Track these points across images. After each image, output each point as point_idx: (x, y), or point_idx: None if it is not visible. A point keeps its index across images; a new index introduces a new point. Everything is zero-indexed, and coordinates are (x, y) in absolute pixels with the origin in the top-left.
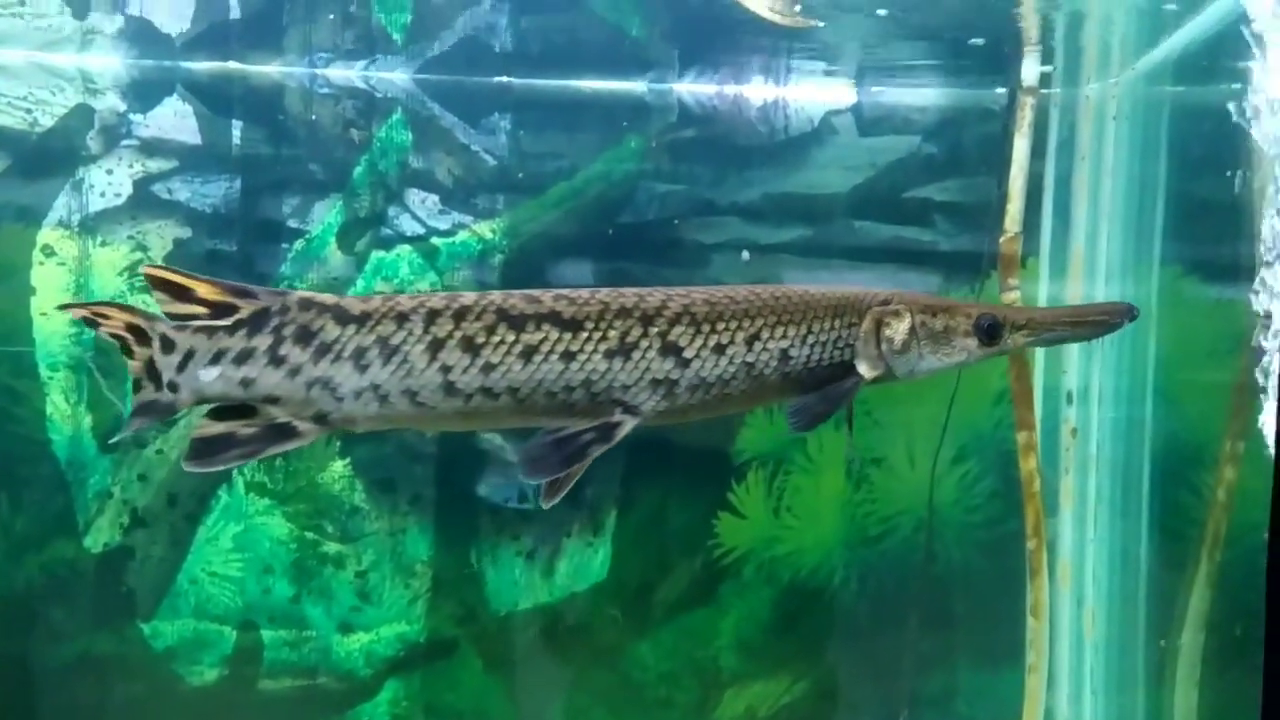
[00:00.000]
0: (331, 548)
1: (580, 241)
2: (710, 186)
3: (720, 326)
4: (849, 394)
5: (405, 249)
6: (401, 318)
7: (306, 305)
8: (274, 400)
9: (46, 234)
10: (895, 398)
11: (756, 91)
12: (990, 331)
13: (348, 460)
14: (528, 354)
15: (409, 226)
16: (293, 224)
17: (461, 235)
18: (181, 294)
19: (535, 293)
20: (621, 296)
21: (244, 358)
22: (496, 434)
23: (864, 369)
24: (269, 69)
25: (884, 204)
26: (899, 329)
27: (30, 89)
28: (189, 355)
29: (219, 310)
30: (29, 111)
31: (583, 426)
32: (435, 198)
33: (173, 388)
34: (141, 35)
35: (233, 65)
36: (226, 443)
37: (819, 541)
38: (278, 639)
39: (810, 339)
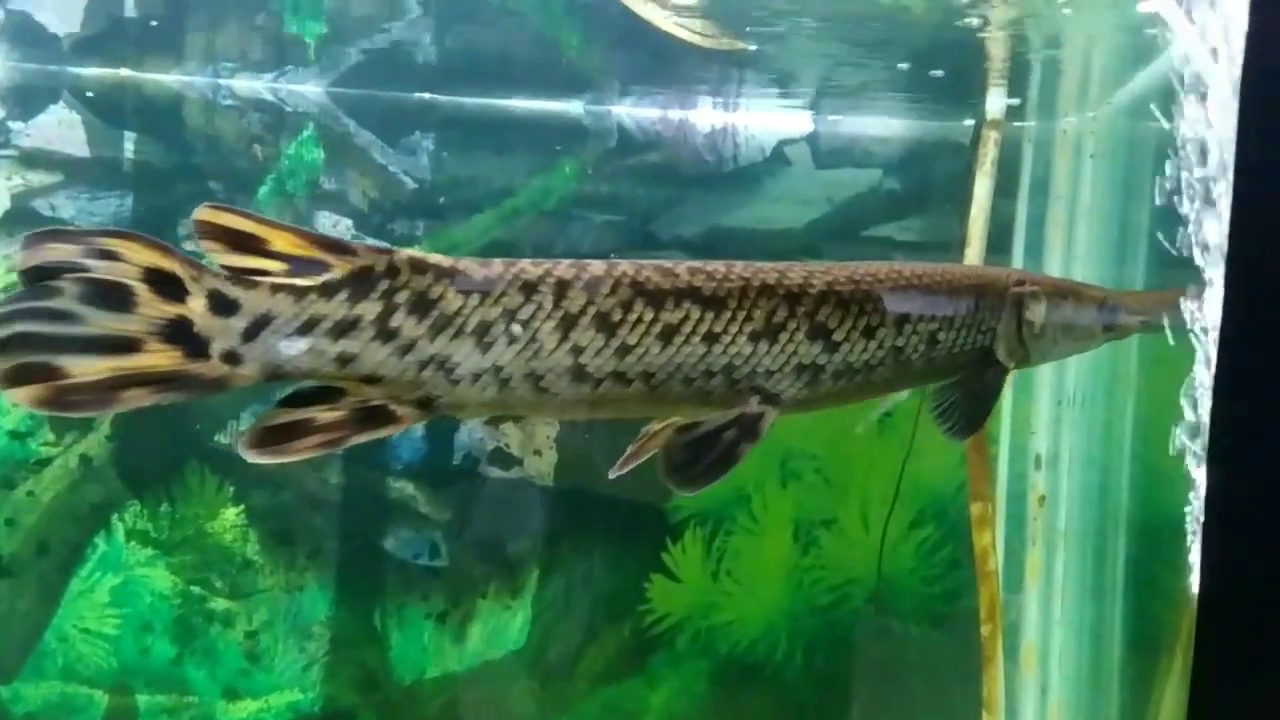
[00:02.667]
0: (219, 604)
1: None
2: (651, 218)
3: (869, 307)
4: (998, 388)
5: None
6: (529, 288)
7: (420, 267)
8: (374, 380)
9: None
10: (848, 454)
11: (704, 116)
12: (1113, 313)
13: (241, 508)
14: (667, 335)
15: None
16: (190, 246)
17: None
18: (248, 245)
19: (666, 264)
20: (761, 271)
21: (345, 328)
22: (407, 482)
23: (1003, 354)
24: (167, 77)
25: (841, 242)
26: (1038, 312)
27: None
28: (263, 320)
29: (301, 266)
30: None
31: (720, 422)
32: (348, 222)
33: (231, 359)
34: (24, 35)
35: (126, 72)
36: (303, 429)
37: (761, 610)
38: (155, 705)
39: (958, 321)
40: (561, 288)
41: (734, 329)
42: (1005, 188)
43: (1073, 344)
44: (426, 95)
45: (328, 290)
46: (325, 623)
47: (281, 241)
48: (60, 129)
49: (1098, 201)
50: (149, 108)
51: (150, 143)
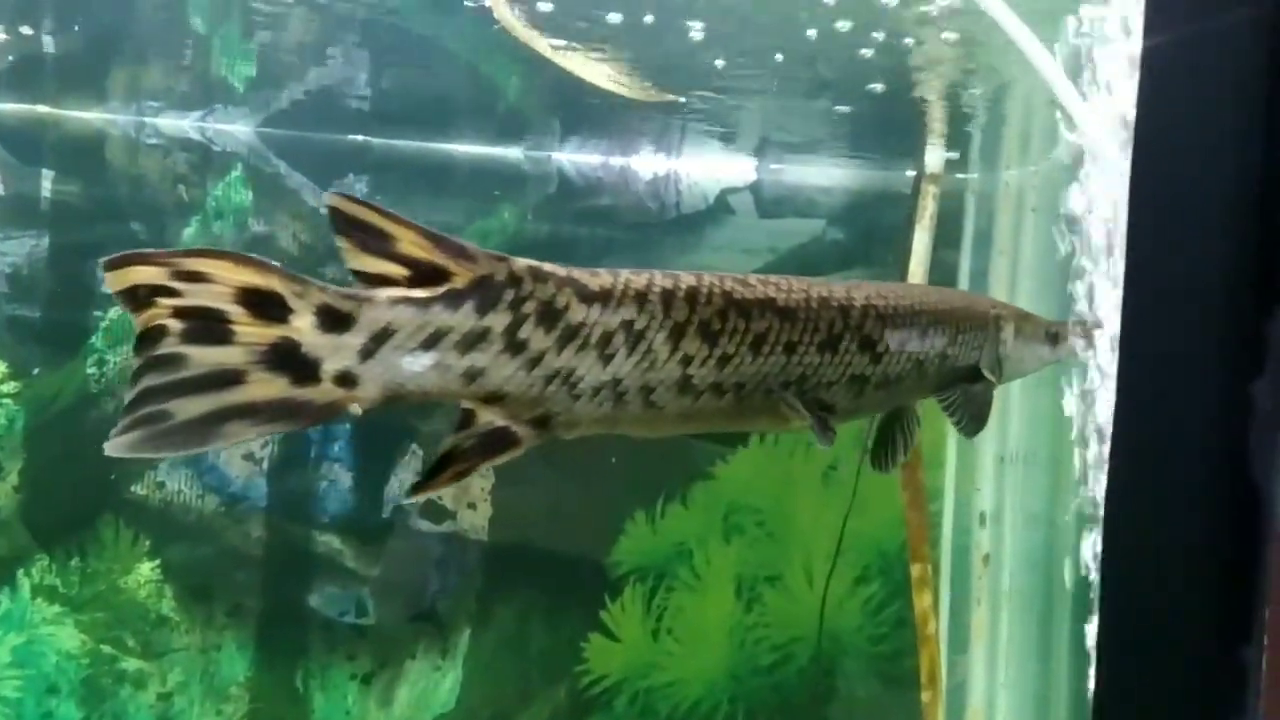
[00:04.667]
0: (131, 664)
1: None
2: (592, 264)
3: (900, 321)
4: (990, 396)
5: None
6: (640, 298)
7: (541, 276)
8: (498, 399)
9: None
10: (792, 508)
11: (646, 163)
12: (1055, 339)
13: (157, 562)
14: (757, 345)
15: None
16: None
17: None
18: (375, 242)
19: (733, 276)
20: (810, 285)
21: (473, 341)
22: (334, 536)
23: (987, 369)
24: (88, 114)
25: None
26: (1009, 333)
27: None
28: (383, 335)
29: (423, 274)
30: None
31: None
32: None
33: (345, 380)
34: None
35: (44, 109)
36: (445, 458)
37: (703, 670)
38: None
39: (959, 338)
40: (667, 298)
41: (806, 339)
42: (948, 239)
43: (1030, 364)
44: (360, 138)
45: (452, 300)
46: (244, 684)
47: (407, 241)
48: None
49: (1039, 255)
50: (69, 145)
51: (70, 181)
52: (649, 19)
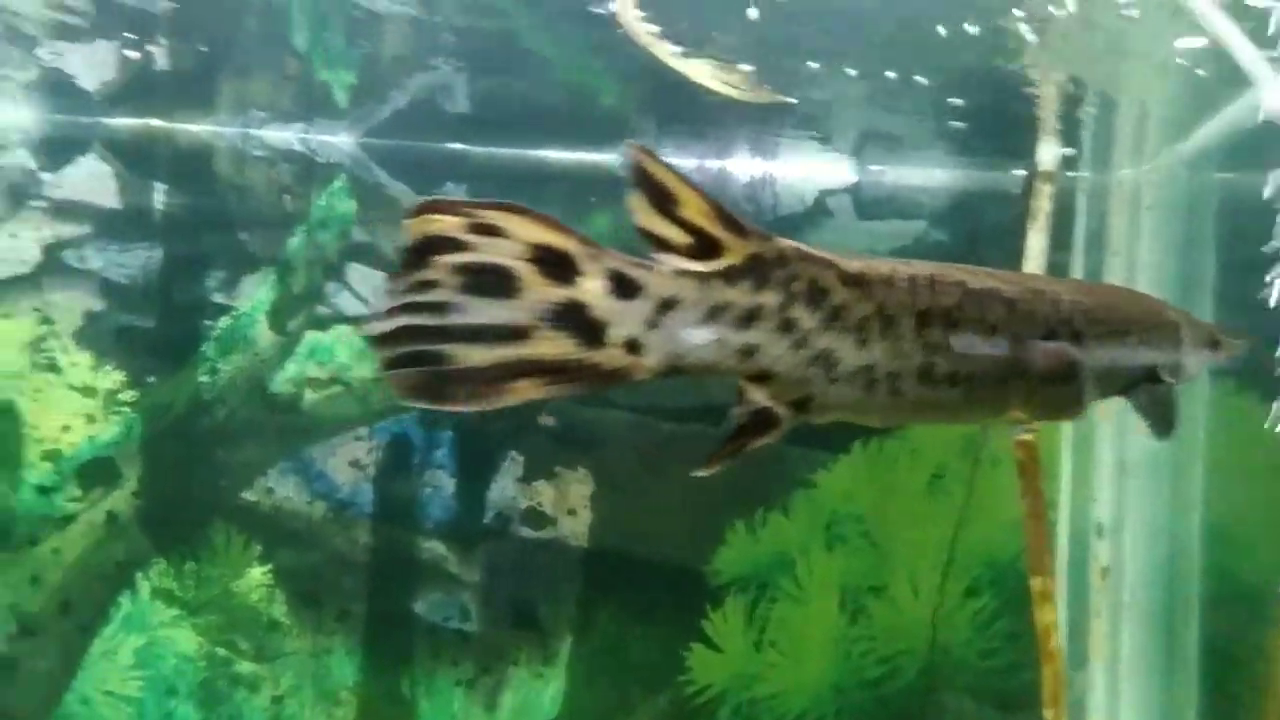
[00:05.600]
0: (245, 667)
1: None
2: None
3: (1100, 317)
4: (1175, 398)
5: (344, 330)
6: (888, 283)
7: (805, 255)
8: (765, 378)
9: None
10: (896, 517)
11: (742, 166)
12: (1216, 344)
13: (269, 567)
14: (989, 333)
15: (349, 305)
16: (219, 299)
17: None
18: (665, 205)
19: (957, 265)
20: (1023, 277)
21: (749, 319)
22: (437, 542)
23: (1166, 373)
24: (197, 128)
25: None
26: (1185, 335)
27: None
28: (668, 305)
29: (701, 243)
30: None
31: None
32: (380, 274)
33: (632, 347)
34: (56, 88)
35: (157, 123)
36: (734, 434)
37: (807, 683)
38: None
39: (1145, 337)
40: (912, 284)
41: (1028, 331)
42: (1058, 240)
43: (1194, 369)
44: (459, 146)
45: (731, 276)
46: (353, 688)
47: (693, 208)
48: (91, 180)
49: (1156, 255)
50: (179, 158)
51: (180, 193)
52: (754, 15)
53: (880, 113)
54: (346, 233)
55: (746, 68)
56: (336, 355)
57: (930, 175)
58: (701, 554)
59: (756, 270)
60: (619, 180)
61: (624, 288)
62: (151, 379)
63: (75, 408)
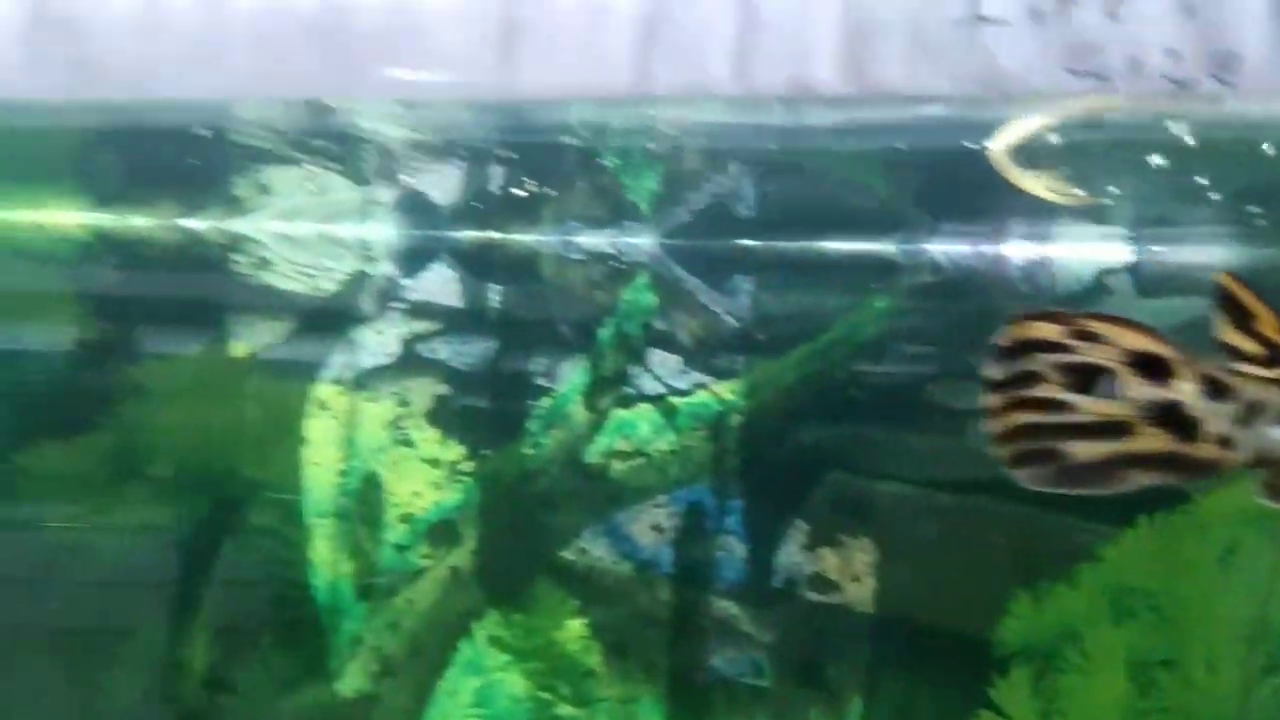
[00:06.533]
0: (566, 710)
1: (822, 403)
2: (967, 349)
3: None
4: None
5: (645, 408)
6: None
7: None
8: None
9: (321, 389)
10: (1187, 592)
11: (1018, 250)
12: None
13: (585, 620)
14: None
15: (650, 386)
16: (541, 382)
17: (700, 395)
18: (1244, 320)
19: None
20: None
21: None
22: (730, 602)
23: None
24: (525, 237)
25: None
26: None
27: (315, 257)
28: (1256, 408)
29: (1273, 356)
30: (313, 278)
31: None
32: (677, 358)
33: (1225, 444)
34: (414, 206)
35: (494, 234)
36: None
37: None
38: None
39: None
40: None
41: None
42: None
43: None
44: (747, 242)
45: None
46: None
47: (1267, 324)
48: (440, 284)
49: None
50: (510, 263)
51: (511, 293)
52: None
53: (1160, 192)
54: (648, 323)
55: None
56: (639, 430)
57: (1214, 254)
58: (985, 623)
59: None
60: (897, 266)
61: (1215, 390)
62: (486, 451)
63: (425, 477)
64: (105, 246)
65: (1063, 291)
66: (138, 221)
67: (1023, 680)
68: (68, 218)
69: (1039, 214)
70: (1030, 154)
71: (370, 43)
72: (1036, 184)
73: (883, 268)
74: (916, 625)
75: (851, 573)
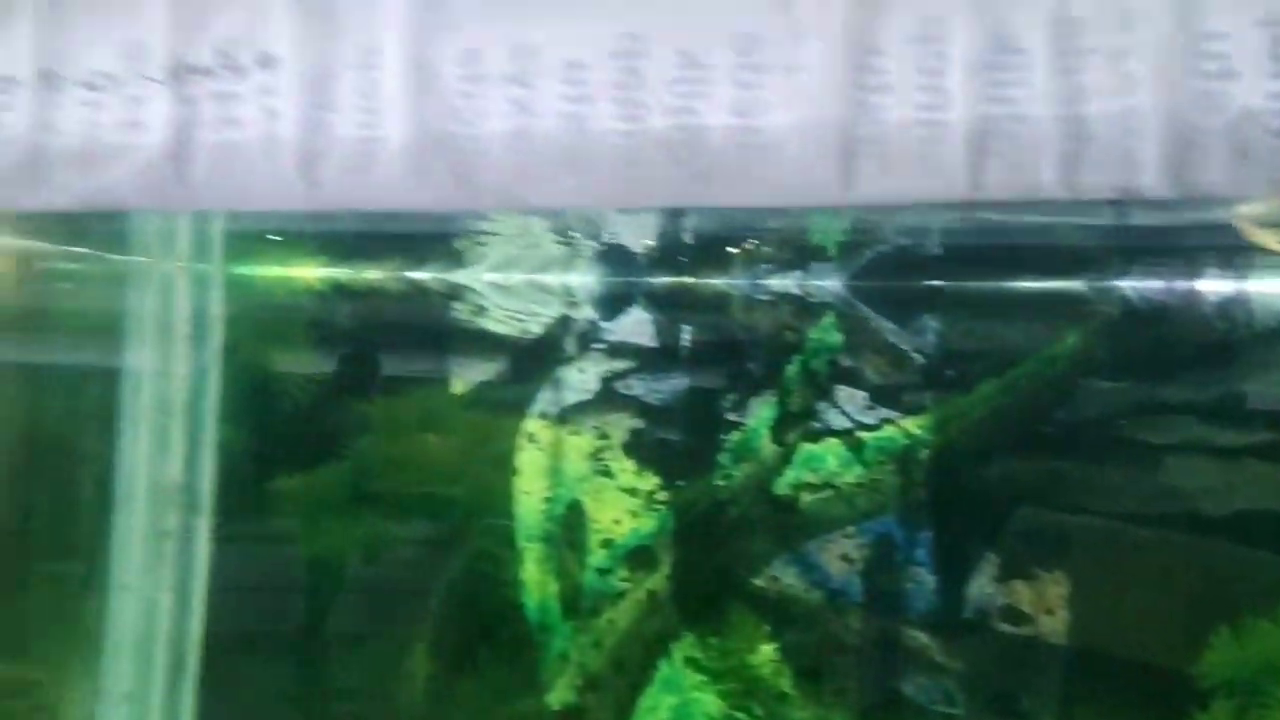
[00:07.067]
0: None
1: (1012, 440)
2: (1160, 385)
3: None
4: None
5: (832, 442)
6: None
7: None
8: None
9: (530, 423)
10: None
11: (1212, 286)
12: None
13: (776, 645)
14: None
15: (836, 421)
16: (731, 417)
17: (887, 430)
18: None
19: None
20: None
21: None
22: (920, 631)
23: None
24: (716, 281)
25: None
26: None
27: (524, 304)
28: None
29: None
30: (522, 322)
31: None
32: (863, 394)
33: None
34: (613, 255)
35: (686, 279)
36: None
37: None
38: None
39: None
40: None
41: None
42: None
43: None
44: (936, 282)
45: None
46: None
47: None
48: (636, 326)
49: None
50: (701, 306)
51: (702, 333)
52: None
53: None
54: (835, 360)
55: None
56: (827, 464)
57: None
58: (1183, 657)
59: None
60: (1087, 304)
61: None
62: (680, 482)
63: (624, 505)
64: (341, 296)
65: (1260, 327)
66: (370, 274)
67: (1224, 716)
68: (311, 272)
69: (1233, 249)
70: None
71: (719, 157)
72: (1272, 240)
73: (1073, 304)
74: (1112, 658)
75: (1045, 605)
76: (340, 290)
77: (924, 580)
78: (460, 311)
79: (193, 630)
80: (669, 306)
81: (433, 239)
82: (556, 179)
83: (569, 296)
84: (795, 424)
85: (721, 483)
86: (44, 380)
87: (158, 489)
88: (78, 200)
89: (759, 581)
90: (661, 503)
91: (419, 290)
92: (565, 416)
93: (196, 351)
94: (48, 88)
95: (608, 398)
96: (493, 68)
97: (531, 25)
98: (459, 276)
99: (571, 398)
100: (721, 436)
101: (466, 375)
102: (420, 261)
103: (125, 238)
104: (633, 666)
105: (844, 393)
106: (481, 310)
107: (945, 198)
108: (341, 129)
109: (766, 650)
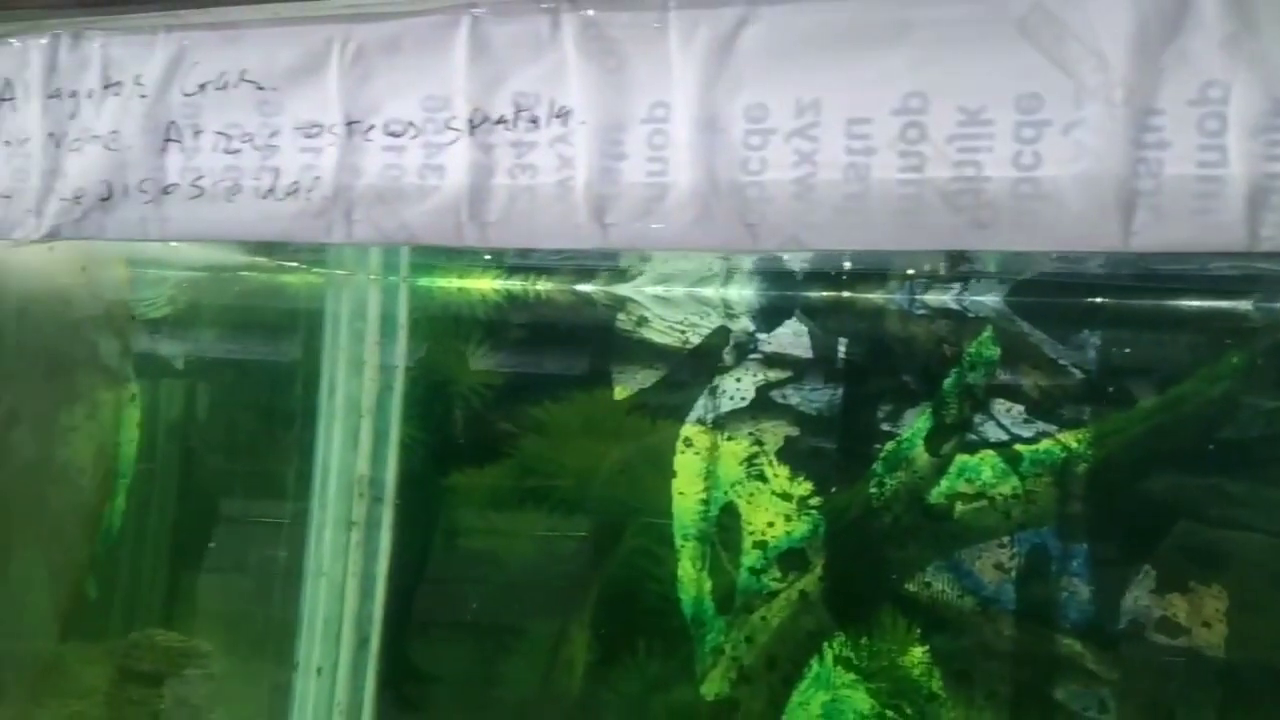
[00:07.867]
0: None
1: (1173, 456)
2: None
3: None
4: None
5: (989, 454)
6: None
7: None
8: None
9: (688, 429)
10: None
11: None
12: None
13: (927, 648)
14: None
15: (993, 433)
16: (885, 427)
17: (1045, 443)
18: None
19: None
20: None
21: None
22: (1074, 640)
23: None
24: (873, 295)
25: None
26: None
27: (685, 315)
28: None
29: None
30: (682, 333)
31: None
32: (1020, 408)
33: None
34: (770, 270)
35: (844, 294)
36: None
37: None
38: None
39: None
40: None
41: None
42: None
43: None
44: (1097, 299)
45: None
46: None
47: None
48: (792, 338)
49: None
50: (857, 319)
51: (857, 346)
52: None
53: None
54: (992, 373)
55: None
56: (982, 475)
57: None
58: None
59: None
60: (1253, 323)
61: None
62: (833, 489)
63: (777, 509)
64: (514, 307)
65: None
66: (540, 286)
67: None
68: (486, 284)
69: None
70: None
71: (999, 206)
72: None
73: (1237, 323)
74: (1273, 671)
75: (1202, 618)
76: (513, 300)
77: (1079, 590)
78: (624, 322)
79: (375, 612)
80: (826, 319)
81: (600, 254)
82: (837, 224)
83: (728, 308)
84: (950, 435)
85: (874, 491)
86: (253, 376)
87: (347, 481)
88: (379, 235)
89: (911, 587)
90: (814, 508)
91: (586, 301)
92: (721, 423)
93: (384, 356)
94: (353, 134)
95: (764, 406)
96: (779, 122)
97: (817, 84)
98: (623, 289)
99: (727, 405)
100: (876, 446)
101: (628, 382)
102: (588, 274)
103: (324, 251)
104: (785, 662)
105: (1001, 405)
106: (644, 321)
107: (1223, 249)
108: (631, 176)
109: (917, 653)
